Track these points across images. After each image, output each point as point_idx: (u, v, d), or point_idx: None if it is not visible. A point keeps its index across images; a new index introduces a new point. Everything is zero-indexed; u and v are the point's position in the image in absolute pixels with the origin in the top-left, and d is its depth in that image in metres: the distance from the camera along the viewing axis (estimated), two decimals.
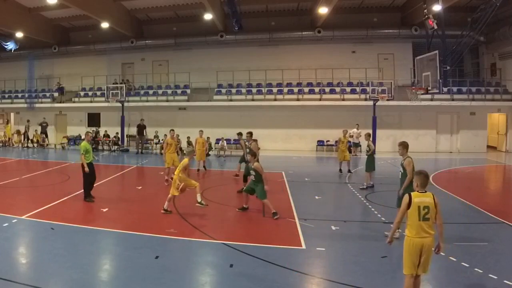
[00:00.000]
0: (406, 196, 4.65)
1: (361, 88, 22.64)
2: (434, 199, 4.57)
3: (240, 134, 13.89)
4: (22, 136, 25.02)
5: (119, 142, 23.61)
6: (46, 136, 24.89)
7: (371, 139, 12.70)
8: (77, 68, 26.93)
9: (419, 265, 4.51)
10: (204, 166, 15.44)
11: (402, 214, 4.68)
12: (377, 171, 12.70)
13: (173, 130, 13.26)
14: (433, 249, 4.58)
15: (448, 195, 11.05)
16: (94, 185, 10.16)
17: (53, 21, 25.57)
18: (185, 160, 9.14)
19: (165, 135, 21.10)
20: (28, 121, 25.37)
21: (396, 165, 16.87)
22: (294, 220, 8.40)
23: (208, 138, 15.90)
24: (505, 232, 7.81)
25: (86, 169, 9.66)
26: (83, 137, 23.37)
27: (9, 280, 5.24)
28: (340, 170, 14.89)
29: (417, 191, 4.66)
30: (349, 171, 14.57)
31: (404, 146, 7.79)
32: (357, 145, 20.94)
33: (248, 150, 11.27)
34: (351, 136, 21.14)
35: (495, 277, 5.46)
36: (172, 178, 12.41)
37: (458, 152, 21.90)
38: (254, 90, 23.83)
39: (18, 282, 5.21)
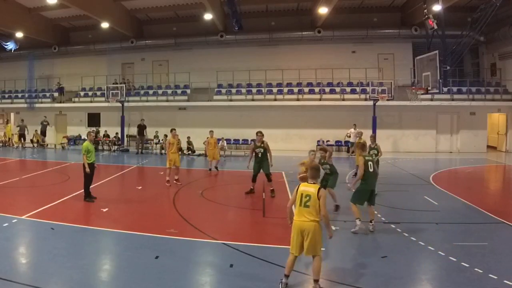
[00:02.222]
0: (297, 186, 5.27)
1: (361, 88, 22.63)
2: (318, 192, 5.06)
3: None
4: (21, 137, 24.79)
5: (119, 142, 23.62)
6: (44, 135, 24.68)
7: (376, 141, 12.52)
8: (77, 68, 26.95)
9: (306, 248, 5.02)
10: (216, 167, 15.54)
11: (292, 200, 5.28)
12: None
13: (174, 129, 12.94)
14: (328, 236, 5.34)
15: (448, 195, 11.04)
16: (91, 186, 10.11)
17: (53, 21, 25.59)
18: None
19: (165, 135, 21.17)
20: (22, 120, 24.68)
21: (396, 165, 16.92)
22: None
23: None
24: (505, 232, 7.79)
25: (87, 169, 9.66)
26: (83, 137, 23.77)
27: (9, 280, 5.24)
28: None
29: (307, 182, 5.25)
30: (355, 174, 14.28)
31: (359, 146, 8.46)
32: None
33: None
34: (349, 136, 21.15)
35: (495, 277, 5.45)
36: (176, 180, 12.51)
37: (458, 152, 21.88)
38: (254, 90, 23.82)
39: (18, 282, 5.21)
